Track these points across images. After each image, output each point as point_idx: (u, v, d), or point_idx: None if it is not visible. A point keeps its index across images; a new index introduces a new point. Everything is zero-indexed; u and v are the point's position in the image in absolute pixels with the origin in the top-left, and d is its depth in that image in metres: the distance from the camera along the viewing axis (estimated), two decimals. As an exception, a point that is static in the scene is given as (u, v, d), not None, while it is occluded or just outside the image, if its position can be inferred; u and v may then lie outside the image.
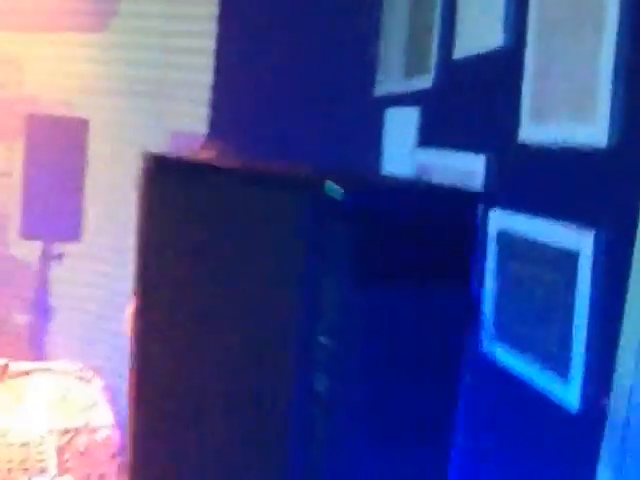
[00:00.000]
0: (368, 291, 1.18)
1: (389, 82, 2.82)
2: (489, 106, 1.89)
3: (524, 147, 1.66)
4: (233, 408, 1.33)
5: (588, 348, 1.35)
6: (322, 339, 1.14)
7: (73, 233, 3.19)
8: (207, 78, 3.11)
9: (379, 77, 2.94)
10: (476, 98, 1.99)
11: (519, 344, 1.57)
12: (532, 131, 1.65)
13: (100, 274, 3.36)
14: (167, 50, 3.28)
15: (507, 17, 1.86)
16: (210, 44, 3.11)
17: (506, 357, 1.61)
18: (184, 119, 3.18)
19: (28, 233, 3.25)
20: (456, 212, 1.30)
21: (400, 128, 2.60)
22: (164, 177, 1.55)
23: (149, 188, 1.54)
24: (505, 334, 1.62)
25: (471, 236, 1.33)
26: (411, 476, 1.28)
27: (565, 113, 1.54)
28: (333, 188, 1.14)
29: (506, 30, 1.86)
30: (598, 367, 1.33)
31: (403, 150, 2.53)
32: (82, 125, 3.21)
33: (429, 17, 2.47)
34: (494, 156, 1.79)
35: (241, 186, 1.34)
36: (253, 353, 1.30)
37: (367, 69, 2.96)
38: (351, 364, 1.18)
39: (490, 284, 1.66)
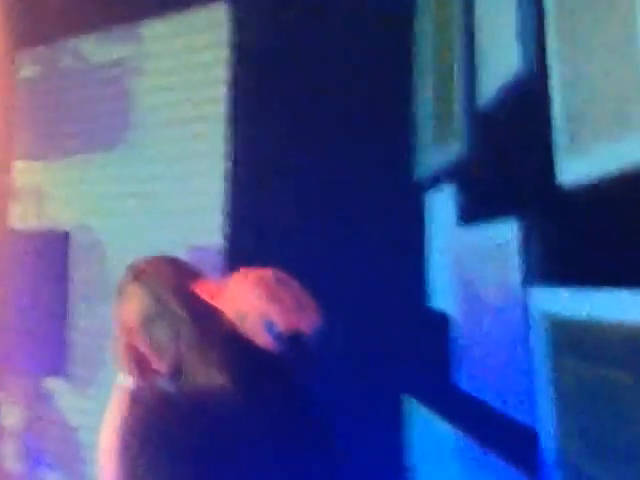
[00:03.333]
0: None
1: (424, 158, 2.41)
2: (520, 152, 1.43)
3: (566, 191, 1.18)
4: None
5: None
6: None
7: (58, 367, 2.83)
8: (221, 186, 2.78)
9: (417, 157, 2.54)
10: (503, 148, 1.54)
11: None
12: (571, 166, 1.17)
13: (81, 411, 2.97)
14: (178, 160, 2.99)
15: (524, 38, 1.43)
16: (223, 146, 2.82)
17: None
18: (201, 233, 2.83)
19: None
20: None
21: (440, 209, 2.16)
22: None
23: None
24: (574, 475, 1.08)
25: None
26: None
27: (606, 131, 1.07)
28: None
29: (525, 55, 1.42)
30: None
31: (446, 232, 2.08)
32: (62, 238, 2.88)
33: (450, 73, 2.07)
34: (529, 215, 1.31)
35: None
36: None
37: (405, 152, 2.59)
38: None
39: (544, 395, 1.14)
